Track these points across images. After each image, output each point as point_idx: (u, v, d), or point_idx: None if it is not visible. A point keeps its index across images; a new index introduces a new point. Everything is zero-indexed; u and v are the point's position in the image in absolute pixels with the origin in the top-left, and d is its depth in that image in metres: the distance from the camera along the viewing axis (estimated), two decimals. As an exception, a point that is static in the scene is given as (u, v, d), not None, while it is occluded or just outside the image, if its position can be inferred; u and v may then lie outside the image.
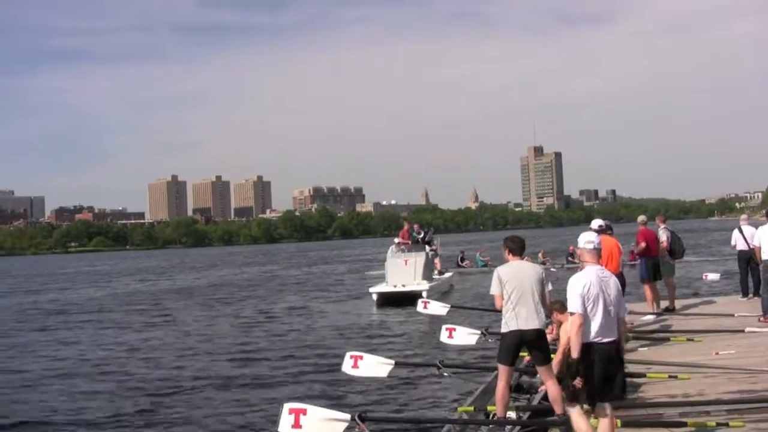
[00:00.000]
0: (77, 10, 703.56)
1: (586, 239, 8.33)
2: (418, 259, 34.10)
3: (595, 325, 7.83)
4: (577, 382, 7.72)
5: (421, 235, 37.94)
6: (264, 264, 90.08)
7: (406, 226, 38.91)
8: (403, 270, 33.69)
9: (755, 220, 17.85)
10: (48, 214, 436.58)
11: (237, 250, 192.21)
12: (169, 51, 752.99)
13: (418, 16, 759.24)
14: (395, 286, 33.07)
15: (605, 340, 7.83)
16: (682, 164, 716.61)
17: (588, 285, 7.88)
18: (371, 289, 34.22)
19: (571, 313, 7.89)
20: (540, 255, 52.74)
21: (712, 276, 25.79)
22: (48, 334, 28.65)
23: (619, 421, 8.67)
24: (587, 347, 7.77)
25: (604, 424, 7.94)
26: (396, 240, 37.22)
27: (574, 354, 7.77)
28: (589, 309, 7.83)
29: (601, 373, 7.73)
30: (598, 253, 8.35)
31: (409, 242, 36.48)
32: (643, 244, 18.01)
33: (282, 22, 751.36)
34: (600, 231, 14.39)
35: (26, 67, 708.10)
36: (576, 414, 8.01)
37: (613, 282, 8.12)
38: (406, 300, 30.57)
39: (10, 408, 15.64)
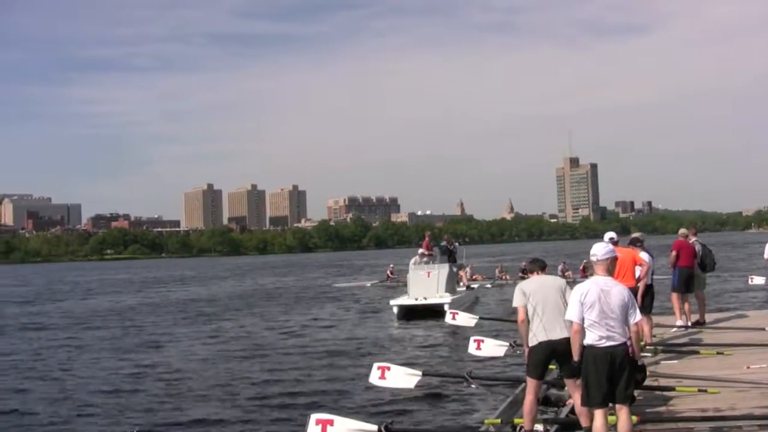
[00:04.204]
0: (115, 20, 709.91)
1: (592, 252, 8.83)
2: (441, 271, 33.52)
3: (592, 331, 8.35)
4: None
5: (453, 247, 37.47)
6: (293, 274, 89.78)
7: (427, 237, 38.50)
8: (425, 282, 33.09)
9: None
10: (84, 222, 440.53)
11: (271, 260, 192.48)
12: (205, 61, 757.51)
13: (449, 27, 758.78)
14: (417, 299, 32.32)
15: (606, 344, 8.30)
16: (719, 176, 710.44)
17: (585, 293, 8.42)
18: (392, 302, 33.53)
19: (570, 321, 8.49)
20: (496, 271, 53.22)
21: (758, 279, 25.53)
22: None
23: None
24: (584, 351, 8.38)
25: (620, 423, 8.38)
26: (420, 251, 36.76)
27: (575, 356, 8.47)
28: (585, 315, 8.34)
29: (601, 376, 8.26)
30: (604, 264, 8.72)
31: (433, 253, 36.01)
32: (673, 253, 17.91)
33: (317, 32, 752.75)
34: (612, 244, 14.36)
35: (65, 77, 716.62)
36: (595, 413, 8.41)
37: (615, 291, 8.50)
38: (427, 313, 30.39)
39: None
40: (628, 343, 8.42)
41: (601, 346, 8.28)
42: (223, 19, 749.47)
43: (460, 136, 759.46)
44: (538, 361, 9.46)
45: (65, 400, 17.52)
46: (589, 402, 8.45)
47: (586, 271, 44.16)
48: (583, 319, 8.36)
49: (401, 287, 46.76)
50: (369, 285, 55.39)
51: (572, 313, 8.45)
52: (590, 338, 8.35)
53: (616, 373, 8.25)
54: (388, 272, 56.74)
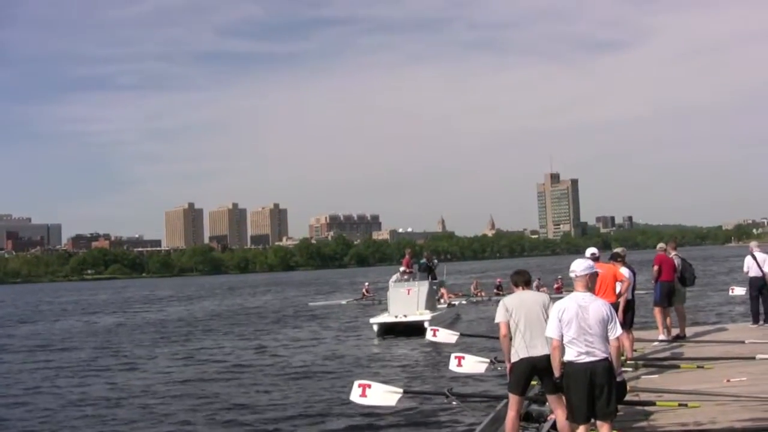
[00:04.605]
0: (95, 39, 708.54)
1: (571, 268, 8.85)
2: (421, 289, 33.33)
3: (571, 347, 8.41)
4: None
5: (432, 264, 37.42)
6: (272, 293, 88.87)
7: (407, 255, 38.50)
8: (405, 299, 32.95)
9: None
10: (65, 242, 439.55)
11: (252, 278, 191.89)
12: (186, 80, 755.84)
13: (436, 45, 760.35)
14: (396, 317, 32.19)
15: (586, 360, 8.34)
16: (699, 190, 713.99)
17: (563, 310, 8.48)
18: (372, 320, 33.39)
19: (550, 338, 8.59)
20: (471, 287, 53.41)
21: (739, 290, 25.65)
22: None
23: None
24: (565, 367, 8.45)
25: None
26: (401, 268, 36.67)
27: (556, 373, 8.57)
28: (564, 332, 8.40)
29: (581, 392, 8.30)
30: (583, 280, 8.72)
31: (413, 270, 35.98)
32: (655, 267, 18.02)
33: (300, 50, 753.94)
34: (592, 260, 14.28)
35: (46, 96, 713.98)
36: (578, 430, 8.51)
37: (593, 307, 8.52)
38: (408, 330, 30.37)
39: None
40: (609, 358, 8.42)
41: (580, 362, 8.32)
42: (207, 38, 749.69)
43: (441, 153, 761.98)
44: (519, 377, 9.47)
45: (35, 426, 17.23)
46: (572, 419, 8.48)
47: (562, 288, 44.42)
48: (562, 336, 8.40)
49: (377, 305, 46.89)
50: (344, 303, 55.58)
51: (551, 330, 8.54)
52: (570, 354, 8.39)
53: (596, 389, 8.26)
54: (364, 290, 56.76)
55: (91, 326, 47.55)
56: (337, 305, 54.59)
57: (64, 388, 22.05)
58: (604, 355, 8.35)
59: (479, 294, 51.25)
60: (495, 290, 50.75)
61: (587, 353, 8.29)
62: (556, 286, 47.47)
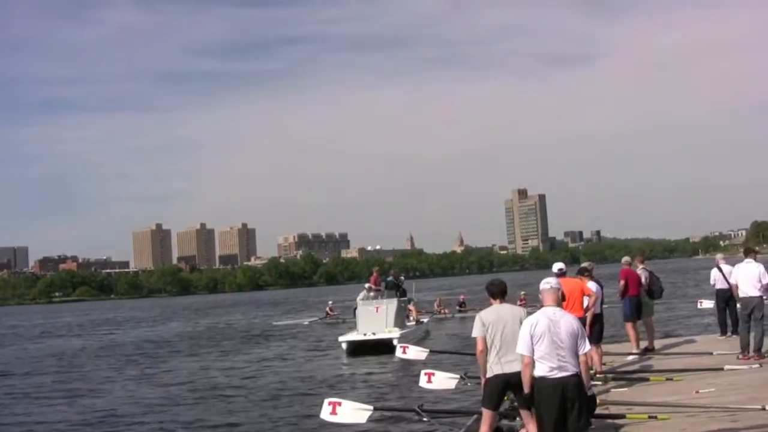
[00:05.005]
0: (61, 59, 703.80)
1: (544, 281, 8.82)
2: (389, 306, 33.32)
3: (542, 362, 8.37)
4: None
5: (399, 281, 37.37)
6: (241, 313, 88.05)
7: (375, 273, 38.44)
8: (374, 317, 32.93)
9: (740, 258, 17.74)
10: (32, 264, 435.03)
11: (221, 298, 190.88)
12: (154, 100, 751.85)
13: (403, 61, 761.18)
14: (365, 334, 32.18)
15: (558, 375, 8.30)
16: (667, 203, 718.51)
17: (534, 325, 8.44)
18: (341, 338, 33.21)
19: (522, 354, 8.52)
20: (435, 305, 53.53)
21: (707, 303, 25.85)
22: None
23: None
24: (536, 382, 8.42)
25: None
26: (366, 285, 36.65)
27: (526, 389, 8.46)
28: (536, 347, 8.37)
29: (553, 408, 8.27)
30: (554, 294, 8.70)
31: (381, 288, 35.87)
32: (622, 282, 18.10)
33: (267, 69, 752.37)
34: (559, 275, 14.09)
35: (9, 117, 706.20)
36: None
37: (564, 322, 8.50)
38: (377, 348, 30.29)
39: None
40: (580, 373, 8.40)
41: (552, 377, 8.29)
42: (175, 57, 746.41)
43: (408, 170, 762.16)
44: (493, 392, 9.44)
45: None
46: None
47: (525, 305, 44.42)
48: (533, 351, 8.37)
49: (341, 324, 46.76)
50: (307, 323, 54.82)
51: (522, 347, 8.48)
52: (541, 370, 8.35)
53: (567, 403, 8.24)
54: (328, 309, 56.38)
55: (56, 349, 46.75)
56: (299, 325, 53.98)
57: (23, 415, 21.46)
58: (575, 370, 8.35)
59: (442, 311, 51.12)
60: (458, 307, 50.95)
61: (559, 368, 8.27)
62: (519, 303, 47.47)
